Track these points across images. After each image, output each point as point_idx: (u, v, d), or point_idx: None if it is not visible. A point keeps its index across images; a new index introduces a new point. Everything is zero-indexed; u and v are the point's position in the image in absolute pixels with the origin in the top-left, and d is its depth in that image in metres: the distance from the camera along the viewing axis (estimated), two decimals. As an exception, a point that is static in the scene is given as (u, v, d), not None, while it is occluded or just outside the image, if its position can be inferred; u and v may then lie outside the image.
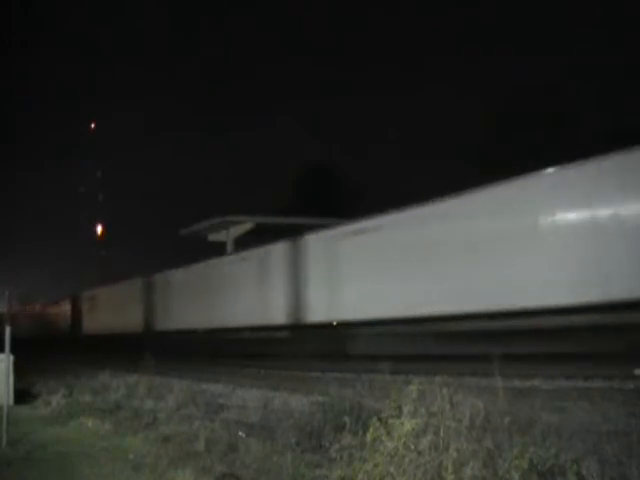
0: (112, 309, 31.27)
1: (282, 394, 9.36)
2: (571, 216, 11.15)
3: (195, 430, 6.83)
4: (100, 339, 30.98)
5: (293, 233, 18.55)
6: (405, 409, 4.19)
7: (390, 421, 4.18)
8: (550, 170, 11.50)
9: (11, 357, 9.23)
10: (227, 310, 20.40)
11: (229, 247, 24.57)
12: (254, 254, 19.71)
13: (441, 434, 3.89)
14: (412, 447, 3.91)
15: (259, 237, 21.91)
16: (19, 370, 10.62)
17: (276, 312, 17.94)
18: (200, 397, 9.35)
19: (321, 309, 16.35)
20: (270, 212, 31.56)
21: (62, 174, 65.26)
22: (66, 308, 38.64)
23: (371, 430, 4.23)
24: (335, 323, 17.50)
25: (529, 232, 11.52)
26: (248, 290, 19.45)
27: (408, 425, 4.01)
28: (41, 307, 44.56)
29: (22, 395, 11.14)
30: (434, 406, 4.12)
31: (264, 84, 67.09)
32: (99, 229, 69.07)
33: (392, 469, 3.88)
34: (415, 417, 4.07)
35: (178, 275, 25.17)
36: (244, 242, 23.20)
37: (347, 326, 15.50)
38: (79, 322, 35.61)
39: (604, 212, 10.53)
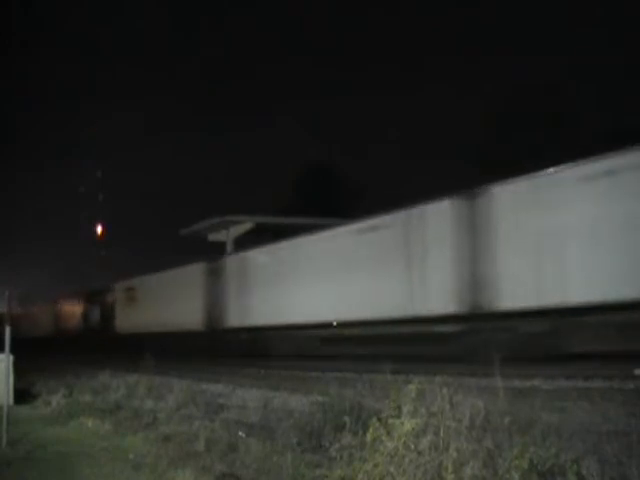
0: (160, 302, 25.53)
1: (282, 394, 9.36)
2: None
3: (195, 430, 6.83)
4: (141, 339, 24.68)
5: (293, 233, 18.54)
6: (405, 409, 4.19)
7: (390, 421, 4.18)
8: None
9: (11, 357, 9.22)
10: (339, 299, 15.66)
11: (229, 247, 24.58)
12: (387, 221, 14.72)
13: (441, 434, 3.89)
14: (412, 447, 3.91)
15: (259, 237, 21.95)
16: (19, 370, 10.62)
17: (436, 298, 13.24)
18: (200, 397, 9.35)
19: (524, 290, 11.51)
20: (270, 212, 31.61)
21: (62, 174, 65.55)
22: (89, 303, 34.07)
23: (371, 430, 4.23)
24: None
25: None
26: (379, 270, 14.63)
27: (408, 425, 4.01)
28: (53, 304, 39.95)
29: (22, 395, 11.13)
30: (434, 406, 4.12)
31: (264, 84, 67.37)
32: (99, 229, 69.17)
33: (392, 469, 3.88)
34: (415, 417, 4.07)
35: (261, 256, 19.74)
36: (244, 242, 23.22)
37: (571, 312, 10.79)
38: (110, 319, 30.39)
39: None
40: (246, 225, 24.17)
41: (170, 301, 24.51)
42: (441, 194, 13.53)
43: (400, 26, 58.23)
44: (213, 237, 25.99)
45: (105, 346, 28.10)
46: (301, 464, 4.98)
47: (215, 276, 21.61)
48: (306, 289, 16.95)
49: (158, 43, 78.84)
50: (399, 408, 4.26)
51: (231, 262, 21.15)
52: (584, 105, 33.33)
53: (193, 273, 23.10)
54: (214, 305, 21.36)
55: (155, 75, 73.44)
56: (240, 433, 6.47)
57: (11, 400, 9.64)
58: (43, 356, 23.78)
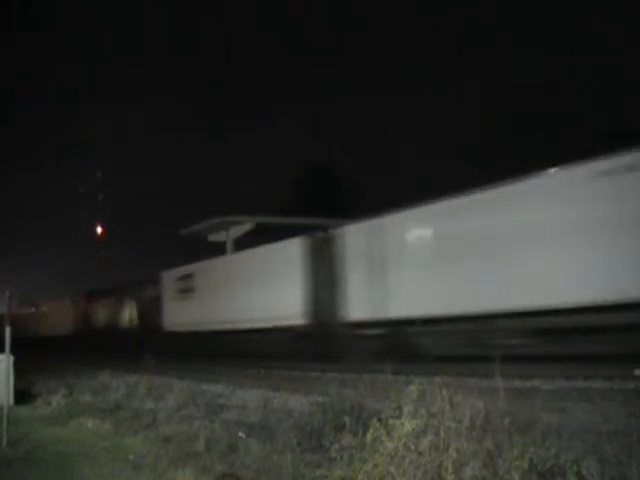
0: (232, 292, 20.40)
1: (282, 394, 9.36)
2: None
3: (195, 430, 6.82)
4: (204, 338, 21.04)
5: (293, 233, 18.49)
6: (405, 409, 4.20)
7: (390, 421, 4.18)
8: None
9: (11, 357, 9.22)
10: (566, 274, 11.05)
11: (229, 247, 24.57)
12: None
13: (441, 434, 3.89)
14: (412, 447, 3.91)
15: (259, 237, 21.92)
16: (19, 370, 10.61)
17: None
18: (200, 397, 9.35)
19: None
20: (270, 212, 31.56)
21: (62, 174, 65.52)
22: (122, 298, 29.82)
23: (371, 430, 4.23)
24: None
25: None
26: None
27: (408, 425, 4.01)
28: (74, 301, 36.15)
29: (22, 395, 11.13)
30: (434, 407, 4.12)
31: (264, 84, 67.18)
32: (99, 229, 69.16)
33: (392, 469, 3.88)
34: (415, 418, 4.07)
35: (415, 223, 14.35)
36: (244, 242, 23.21)
37: None
38: (153, 315, 25.67)
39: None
40: (246, 225, 24.16)
41: (248, 290, 19.32)
42: (441, 194, 13.51)
43: (400, 26, 58.17)
44: (213, 237, 25.98)
45: (150, 347, 23.37)
46: (301, 464, 4.98)
47: (323, 255, 16.58)
48: (499, 264, 12.00)
49: (158, 43, 78.84)
50: (399, 409, 4.27)
51: (354, 234, 15.68)
52: (584, 105, 33.29)
53: (286, 253, 17.96)
54: (321, 293, 16.50)
55: (155, 75, 73.36)
56: (240, 433, 6.47)
57: (11, 400, 9.64)
58: (43, 356, 23.80)
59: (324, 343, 16.01)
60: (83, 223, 67.84)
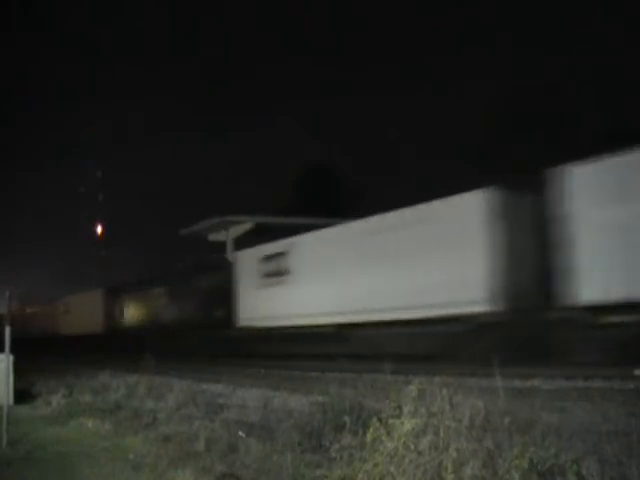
0: (358, 272, 15.41)
1: (282, 394, 9.36)
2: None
3: (195, 430, 6.82)
4: (305, 336, 16.76)
5: (293, 233, 18.48)
6: (405, 409, 4.19)
7: (390, 421, 4.18)
8: None
9: (11, 357, 9.22)
10: None
11: (229, 247, 24.57)
12: None
13: (441, 434, 3.89)
14: (412, 447, 3.91)
15: (259, 237, 21.92)
16: (19, 370, 10.61)
17: None
18: (200, 397, 9.34)
19: None
20: (270, 212, 31.58)
21: (62, 174, 65.57)
22: (173, 289, 24.92)
23: (371, 430, 4.23)
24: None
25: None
26: None
27: (408, 425, 4.01)
28: (106, 296, 31.76)
29: (22, 395, 11.13)
30: (434, 406, 4.12)
31: (264, 84, 67.27)
32: (99, 229, 69.19)
33: (392, 469, 3.88)
34: (415, 417, 4.07)
35: None
36: (244, 242, 23.21)
37: None
38: (218, 308, 21.16)
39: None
40: (246, 225, 24.22)
41: (391, 267, 14.46)
42: (441, 194, 13.50)
43: (400, 26, 58.19)
44: (213, 237, 26.01)
45: (222, 348, 19.15)
46: (301, 464, 4.98)
47: (523, 211, 12.38)
48: None
49: (158, 43, 79.00)
50: (399, 408, 4.26)
51: (587, 177, 10.97)
52: (584, 105, 33.29)
53: (459, 211, 13.20)
54: (520, 267, 12.20)
55: (155, 75, 73.49)
56: (240, 433, 6.47)
57: (11, 400, 9.64)
58: (43, 356, 23.80)
59: (527, 337, 11.62)
60: (83, 223, 67.95)
